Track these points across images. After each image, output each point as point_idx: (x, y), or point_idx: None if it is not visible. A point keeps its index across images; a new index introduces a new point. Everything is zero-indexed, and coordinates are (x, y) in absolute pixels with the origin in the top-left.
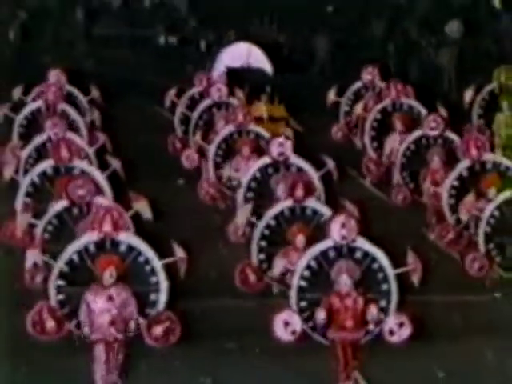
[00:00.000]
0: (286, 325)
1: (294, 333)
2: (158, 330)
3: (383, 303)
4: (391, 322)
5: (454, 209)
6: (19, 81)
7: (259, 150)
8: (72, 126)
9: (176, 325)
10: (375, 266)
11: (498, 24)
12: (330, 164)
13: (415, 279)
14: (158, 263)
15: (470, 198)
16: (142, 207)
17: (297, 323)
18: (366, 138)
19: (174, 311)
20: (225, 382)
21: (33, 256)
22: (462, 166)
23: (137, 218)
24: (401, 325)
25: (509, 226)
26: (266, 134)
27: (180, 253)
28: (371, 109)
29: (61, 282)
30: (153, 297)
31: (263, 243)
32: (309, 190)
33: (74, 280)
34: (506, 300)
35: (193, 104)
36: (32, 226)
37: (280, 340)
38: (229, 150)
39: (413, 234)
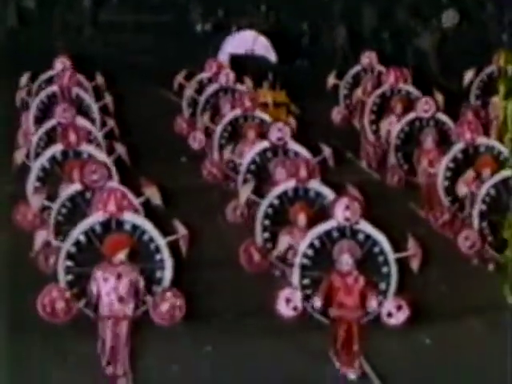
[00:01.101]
0: (288, 301)
1: (295, 309)
2: (164, 307)
3: (383, 286)
4: (390, 304)
5: (449, 191)
6: (26, 67)
7: (263, 136)
8: (83, 111)
9: (181, 301)
10: (376, 249)
11: (483, 12)
12: (327, 151)
13: (414, 265)
14: (162, 241)
15: (469, 174)
16: (152, 193)
17: (298, 300)
18: (365, 121)
19: (179, 287)
20: (226, 354)
21: (41, 237)
22: (457, 148)
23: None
24: (399, 308)
25: (504, 206)
26: (269, 120)
27: (182, 230)
28: (370, 92)
29: (69, 263)
30: (158, 274)
31: (267, 222)
32: (312, 172)
33: (82, 260)
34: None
35: (201, 88)
36: (43, 210)
37: (281, 315)
38: (233, 134)
39: (409, 215)
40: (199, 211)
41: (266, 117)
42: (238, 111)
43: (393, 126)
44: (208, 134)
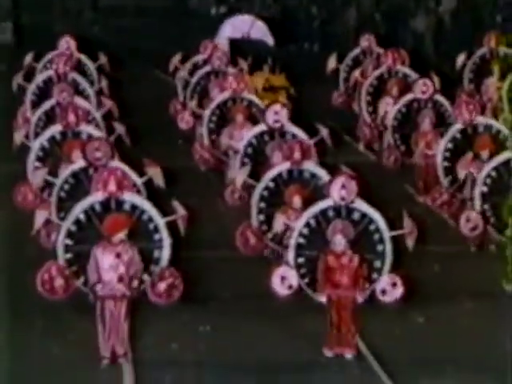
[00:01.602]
0: (283, 279)
1: (290, 287)
2: (162, 286)
3: (378, 264)
4: (384, 282)
5: (448, 171)
6: (31, 48)
7: (253, 118)
8: (81, 93)
9: (179, 281)
10: (372, 227)
11: None
12: (324, 132)
13: (410, 243)
14: (160, 221)
15: (468, 156)
16: (155, 174)
17: (293, 278)
18: (362, 102)
19: (177, 267)
20: (223, 331)
21: (42, 215)
22: (455, 128)
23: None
24: (393, 285)
25: (505, 187)
26: (259, 103)
27: (181, 211)
28: (368, 74)
29: (68, 241)
30: (157, 254)
31: (262, 204)
32: (306, 154)
33: (82, 239)
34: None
35: (195, 70)
36: (43, 190)
37: (276, 293)
38: (223, 116)
39: (405, 195)
40: (198, 192)
41: (255, 99)
42: (226, 94)
43: (389, 108)
44: (197, 116)
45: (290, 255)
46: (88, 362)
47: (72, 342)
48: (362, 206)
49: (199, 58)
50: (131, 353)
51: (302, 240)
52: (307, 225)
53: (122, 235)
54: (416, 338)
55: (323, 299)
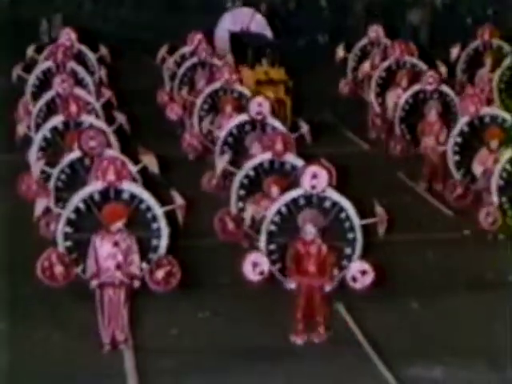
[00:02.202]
0: (255, 265)
1: (261, 273)
2: (160, 273)
3: (348, 251)
4: (354, 269)
5: (460, 165)
6: (32, 39)
7: (241, 109)
8: (81, 84)
9: (177, 268)
10: (342, 215)
11: None
12: (304, 128)
13: (381, 230)
14: (159, 210)
15: (483, 152)
16: (150, 161)
17: (265, 264)
18: (371, 94)
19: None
20: (223, 319)
21: (41, 204)
22: (462, 122)
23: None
24: (363, 272)
25: None
26: (248, 94)
27: (179, 200)
28: (377, 65)
29: (68, 229)
30: (155, 242)
31: (242, 192)
32: (288, 146)
33: (81, 227)
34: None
35: (183, 61)
36: (46, 179)
37: (248, 279)
38: (212, 106)
39: (397, 184)
40: (193, 181)
41: (245, 90)
42: (217, 84)
43: (399, 99)
44: (185, 106)
45: (262, 242)
46: (89, 349)
47: (72, 328)
48: (332, 194)
49: (186, 49)
50: (131, 339)
51: (273, 227)
52: (279, 213)
53: (119, 224)
54: (410, 326)
55: (293, 286)
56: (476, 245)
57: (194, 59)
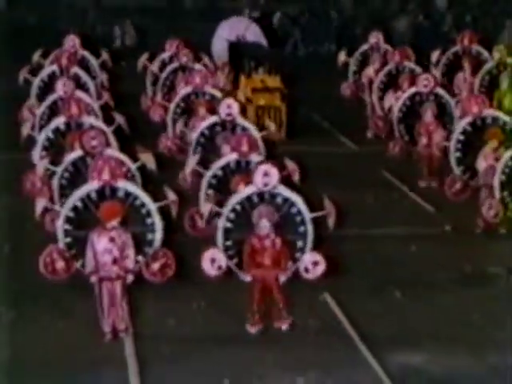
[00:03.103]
0: (213, 261)
1: (219, 268)
2: (156, 265)
3: (300, 244)
4: (306, 260)
5: (460, 161)
6: (36, 45)
7: (214, 111)
8: (83, 87)
9: (172, 260)
10: (294, 210)
11: None
12: (272, 126)
13: (330, 222)
14: (153, 206)
15: (487, 149)
16: (147, 159)
17: (222, 260)
18: (373, 97)
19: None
20: (217, 308)
21: (41, 203)
22: (466, 121)
23: None
24: (315, 263)
25: None
26: (219, 96)
27: (172, 196)
28: (378, 69)
29: (67, 226)
30: (150, 236)
31: (210, 192)
32: (253, 146)
33: (79, 224)
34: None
35: (163, 67)
36: (49, 178)
37: (206, 274)
38: (187, 109)
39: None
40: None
41: (217, 93)
42: (189, 88)
43: (393, 101)
44: (166, 109)
45: (219, 238)
46: (91, 337)
47: (74, 318)
48: (284, 191)
49: (165, 55)
50: (131, 328)
51: (229, 224)
52: (233, 210)
53: (115, 222)
54: (394, 315)
55: (248, 279)
56: (456, 239)
57: (175, 64)
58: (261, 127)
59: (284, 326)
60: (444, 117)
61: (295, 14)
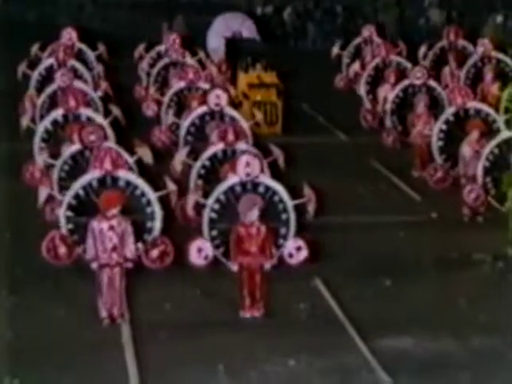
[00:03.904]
0: (200, 251)
1: (206, 258)
2: (155, 253)
3: (283, 231)
4: (290, 246)
5: (442, 150)
6: (37, 38)
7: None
8: (80, 79)
9: (170, 247)
10: (276, 198)
11: None
12: (258, 116)
13: (310, 209)
14: (152, 195)
15: (473, 135)
16: (144, 153)
17: (208, 249)
18: (361, 90)
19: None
20: (210, 294)
21: (44, 192)
22: (449, 112)
23: None
24: (298, 248)
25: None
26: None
27: (171, 186)
28: (367, 63)
29: (69, 213)
30: (149, 224)
31: (199, 182)
32: (239, 136)
33: (81, 211)
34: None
35: (159, 59)
36: (48, 168)
37: (193, 264)
38: (179, 103)
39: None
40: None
41: (208, 87)
42: (182, 83)
43: (388, 93)
44: (159, 102)
45: (205, 229)
46: (89, 322)
47: (74, 302)
48: (266, 180)
49: (161, 48)
50: (129, 313)
51: (213, 215)
52: (218, 201)
53: (115, 211)
54: (383, 301)
55: (235, 268)
56: (443, 227)
57: (166, 59)
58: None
59: (258, 314)
60: (437, 108)
61: (309, 8)
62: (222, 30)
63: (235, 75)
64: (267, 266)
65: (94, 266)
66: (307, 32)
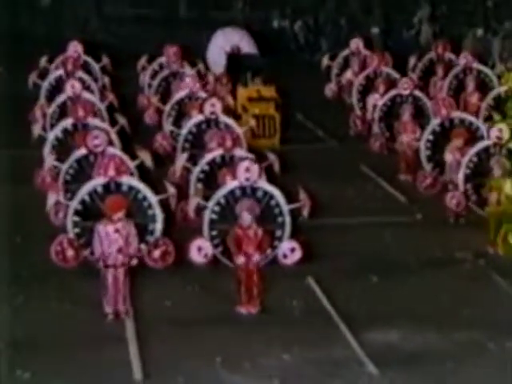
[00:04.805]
0: (200, 249)
1: (206, 256)
2: (157, 253)
3: (279, 233)
4: (284, 247)
5: (430, 159)
6: (43, 51)
7: None
8: (87, 90)
9: (171, 248)
10: (273, 202)
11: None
12: (252, 123)
13: (305, 213)
14: (154, 199)
15: (454, 143)
16: (145, 156)
17: (208, 248)
18: (353, 98)
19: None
20: (209, 291)
21: (53, 197)
22: (435, 123)
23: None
24: (292, 250)
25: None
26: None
27: (171, 190)
28: (357, 73)
29: (76, 218)
30: (151, 226)
31: (199, 185)
32: (236, 142)
33: (87, 216)
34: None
35: (161, 70)
36: (57, 173)
37: (193, 261)
38: (180, 111)
39: (359, 175)
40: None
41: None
42: (182, 93)
43: (377, 102)
44: (160, 111)
45: (205, 229)
46: (95, 318)
47: (81, 301)
48: (264, 185)
49: (162, 59)
50: (132, 310)
51: (214, 216)
52: (218, 203)
53: (120, 214)
54: (371, 297)
55: (233, 265)
56: (427, 227)
57: (166, 71)
58: (253, 133)
59: (254, 311)
60: (422, 117)
61: (320, 22)
62: (221, 43)
63: (235, 89)
64: (261, 262)
65: (101, 266)
66: (320, 45)
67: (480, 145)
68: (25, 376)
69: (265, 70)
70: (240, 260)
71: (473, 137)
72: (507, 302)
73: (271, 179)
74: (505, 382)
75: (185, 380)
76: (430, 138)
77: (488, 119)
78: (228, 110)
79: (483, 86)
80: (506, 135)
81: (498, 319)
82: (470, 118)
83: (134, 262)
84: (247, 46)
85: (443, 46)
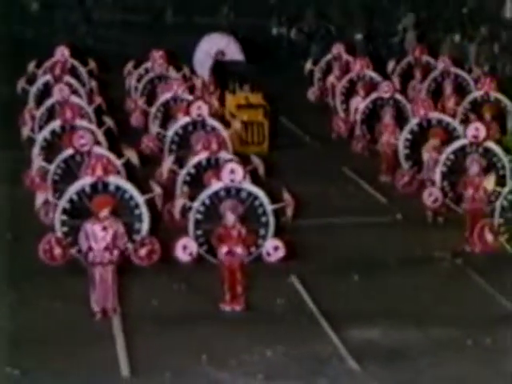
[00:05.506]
0: (185, 248)
1: (191, 254)
2: (143, 251)
3: (262, 232)
4: (268, 246)
5: (408, 157)
6: (33, 56)
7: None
8: (75, 93)
9: (157, 246)
10: (257, 203)
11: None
12: (237, 125)
13: (289, 213)
14: (140, 198)
15: (431, 143)
16: (131, 154)
17: (193, 247)
18: (336, 101)
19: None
20: (196, 290)
21: (41, 196)
22: (413, 123)
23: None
24: (276, 248)
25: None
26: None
27: (157, 190)
28: (339, 77)
29: (64, 217)
30: (137, 225)
31: (185, 187)
32: (222, 145)
33: (75, 215)
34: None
35: (146, 73)
36: (45, 173)
37: (179, 260)
38: (166, 113)
39: (342, 177)
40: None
41: (191, 98)
42: (168, 95)
43: (359, 104)
44: (146, 114)
45: (190, 228)
46: (83, 316)
47: (69, 298)
48: (248, 186)
49: (148, 64)
50: (119, 307)
51: (199, 216)
52: (203, 204)
53: (106, 212)
54: (352, 295)
55: (218, 263)
56: (407, 227)
57: (151, 74)
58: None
59: (239, 308)
60: (402, 119)
61: (312, 29)
62: (207, 48)
63: (223, 96)
64: (246, 261)
65: (88, 264)
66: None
67: (457, 143)
68: (14, 373)
69: (250, 77)
70: (223, 251)
71: (450, 137)
72: (484, 299)
73: (256, 182)
74: (482, 377)
75: (172, 376)
76: (409, 137)
77: (464, 121)
78: (215, 115)
79: (460, 89)
80: (481, 134)
81: (475, 316)
82: (447, 118)
83: (121, 259)
84: (233, 52)
85: (420, 50)
